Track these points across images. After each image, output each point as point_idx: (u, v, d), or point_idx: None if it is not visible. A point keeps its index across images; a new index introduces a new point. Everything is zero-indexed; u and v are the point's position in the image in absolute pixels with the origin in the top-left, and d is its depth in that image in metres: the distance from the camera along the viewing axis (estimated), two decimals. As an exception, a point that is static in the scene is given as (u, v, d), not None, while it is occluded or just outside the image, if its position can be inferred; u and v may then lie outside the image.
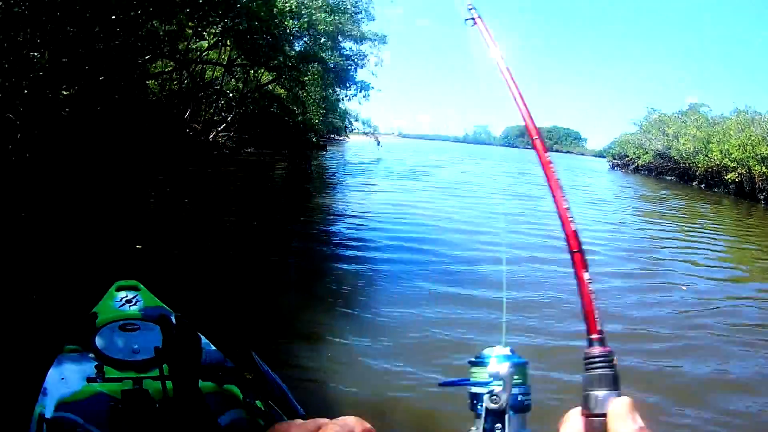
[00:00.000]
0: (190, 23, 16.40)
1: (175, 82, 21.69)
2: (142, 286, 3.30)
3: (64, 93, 7.74)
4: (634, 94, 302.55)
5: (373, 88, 21.25)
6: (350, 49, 20.57)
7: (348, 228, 10.91)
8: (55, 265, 6.33)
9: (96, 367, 2.47)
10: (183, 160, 18.71)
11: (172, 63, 18.29)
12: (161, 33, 15.56)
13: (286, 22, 15.63)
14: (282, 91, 24.65)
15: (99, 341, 2.68)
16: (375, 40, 21.00)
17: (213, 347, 2.79)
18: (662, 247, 12.27)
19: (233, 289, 6.45)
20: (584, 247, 0.71)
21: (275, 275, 7.63)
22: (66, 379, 2.39)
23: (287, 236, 10.23)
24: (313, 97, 25.84)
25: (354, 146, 50.30)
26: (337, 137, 44.13)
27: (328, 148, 29.10)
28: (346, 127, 25.60)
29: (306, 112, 24.12)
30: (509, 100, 0.86)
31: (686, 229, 15.66)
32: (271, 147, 25.88)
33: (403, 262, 8.58)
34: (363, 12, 21.09)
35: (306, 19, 16.88)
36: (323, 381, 4.52)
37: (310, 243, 9.69)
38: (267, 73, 23.30)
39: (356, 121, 24.09)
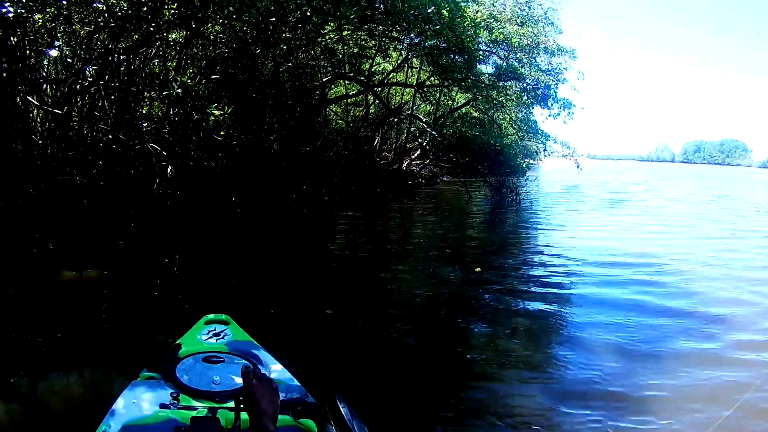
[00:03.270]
0: (372, 41, 14.95)
1: (361, 108, 20.45)
2: (232, 320, 3.16)
3: (216, 113, 6.25)
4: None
5: (575, 105, 17.84)
6: (549, 63, 18.00)
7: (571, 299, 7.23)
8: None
9: (171, 395, 2.37)
10: (374, 192, 17.41)
11: (355, 85, 16.90)
12: (339, 52, 14.16)
13: (479, 33, 13.45)
14: (476, 113, 22.69)
15: (180, 371, 2.56)
16: (566, 53, 18.44)
17: (296, 381, 2.71)
18: None
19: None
20: None
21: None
22: (137, 403, 2.27)
23: (480, 295, 7.27)
24: (512, 118, 23.46)
25: (550, 170, 47.01)
26: (532, 161, 41.63)
27: (527, 173, 27.13)
28: (545, 149, 22.70)
29: (504, 135, 21.95)
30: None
31: None
32: (472, 175, 24.00)
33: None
34: (552, 24, 19.05)
35: (500, 30, 14.74)
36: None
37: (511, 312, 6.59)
38: (461, 94, 21.47)
39: (555, 143, 21.05)
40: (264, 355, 2.92)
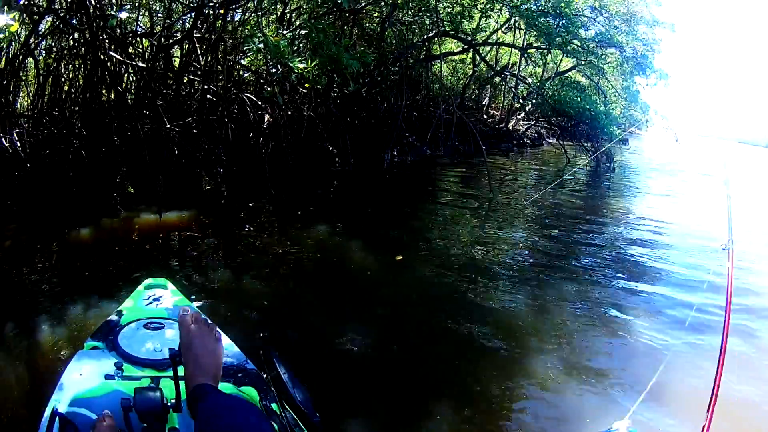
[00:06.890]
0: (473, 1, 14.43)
1: (468, 65, 20.00)
2: (170, 284, 3.08)
3: (299, 67, 6.21)
4: None
5: (670, 76, 17.50)
6: (646, 33, 17.38)
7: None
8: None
9: (115, 364, 2.25)
10: (477, 149, 17.22)
11: (460, 44, 16.54)
12: (440, 10, 13.76)
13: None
14: (582, 79, 21.67)
15: (122, 339, 2.47)
16: (664, 26, 17.79)
17: (236, 348, 2.64)
18: None
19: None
20: None
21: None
22: (83, 375, 2.20)
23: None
24: (614, 86, 22.40)
25: (650, 142, 43.65)
26: (636, 131, 39.01)
27: (629, 142, 25.42)
28: (647, 120, 21.41)
29: (606, 103, 20.86)
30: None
31: None
32: (574, 139, 23.05)
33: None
34: (650, -6, 18.04)
35: (597, -2, 14.26)
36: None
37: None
38: (566, 58, 20.88)
39: (656, 114, 19.90)
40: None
